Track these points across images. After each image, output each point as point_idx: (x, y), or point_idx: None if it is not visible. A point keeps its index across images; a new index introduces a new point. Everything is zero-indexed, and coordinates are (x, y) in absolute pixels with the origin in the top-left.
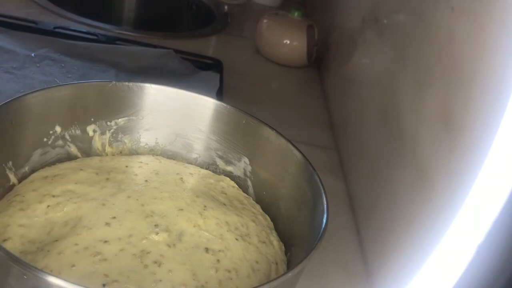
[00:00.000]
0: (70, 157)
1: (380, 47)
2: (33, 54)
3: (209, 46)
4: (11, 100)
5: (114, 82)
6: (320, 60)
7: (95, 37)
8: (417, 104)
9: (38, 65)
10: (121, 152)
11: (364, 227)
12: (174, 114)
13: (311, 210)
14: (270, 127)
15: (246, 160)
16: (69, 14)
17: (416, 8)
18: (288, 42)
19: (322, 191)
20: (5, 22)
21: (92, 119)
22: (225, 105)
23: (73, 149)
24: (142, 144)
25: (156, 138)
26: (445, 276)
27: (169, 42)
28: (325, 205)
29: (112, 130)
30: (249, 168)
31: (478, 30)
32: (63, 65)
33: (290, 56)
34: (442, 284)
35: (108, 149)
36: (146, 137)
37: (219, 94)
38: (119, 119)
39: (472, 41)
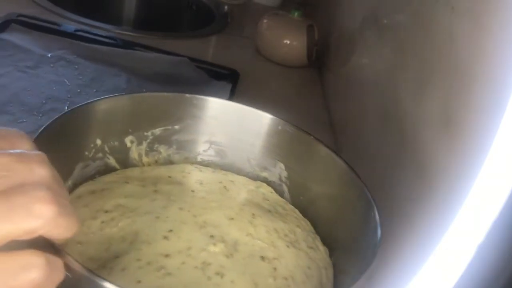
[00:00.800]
0: (108, 169)
1: (380, 47)
2: (49, 55)
3: (209, 46)
4: (59, 116)
5: (148, 93)
6: (320, 60)
7: (114, 42)
8: (417, 104)
9: (52, 65)
10: (156, 162)
11: None
12: (205, 122)
13: (355, 213)
14: (308, 133)
15: (282, 165)
16: (69, 14)
17: (416, 8)
18: (288, 42)
19: (373, 203)
20: (28, 23)
21: (130, 130)
22: (259, 111)
23: (111, 161)
24: (176, 153)
25: (190, 147)
26: (445, 276)
27: (169, 42)
28: (377, 218)
29: (148, 140)
30: (284, 173)
31: (478, 30)
32: (76, 67)
33: (290, 56)
34: (442, 284)
35: (144, 159)
36: (181, 146)
37: None
38: (156, 129)
39: (472, 41)
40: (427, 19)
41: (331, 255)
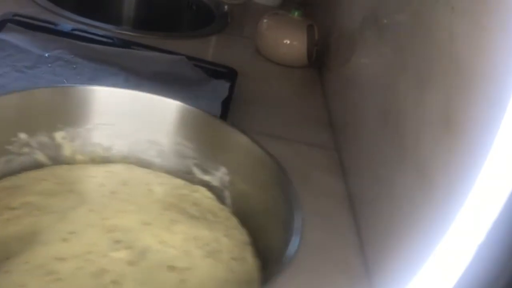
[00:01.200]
0: (38, 165)
1: (380, 47)
2: (46, 55)
3: (209, 46)
4: None
5: (79, 87)
6: (320, 60)
7: (111, 41)
8: (417, 104)
9: (49, 65)
10: (93, 160)
11: (364, 227)
12: (146, 120)
13: (286, 224)
14: (244, 132)
15: (224, 169)
16: (68, 14)
17: (416, 8)
18: (288, 42)
19: (298, 204)
20: (24, 23)
21: (60, 125)
22: (199, 111)
23: (40, 157)
24: (114, 152)
25: (129, 146)
26: (445, 276)
27: (169, 42)
28: (300, 223)
29: (82, 137)
30: (227, 178)
31: (478, 30)
32: (74, 66)
33: (290, 56)
34: (442, 284)
35: (79, 156)
36: (119, 144)
37: (225, 104)
38: (89, 126)
39: (472, 41)
40: (427, 19)
41: (266, 267)
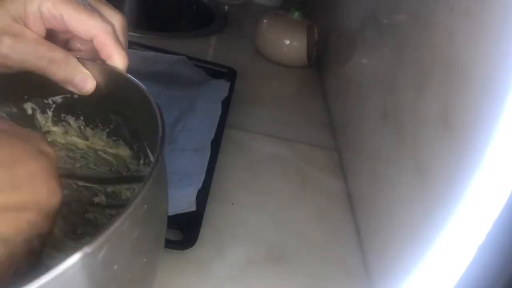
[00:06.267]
0: None
1: (380, 47)
2: None
3: (209, 46)
4: None
5: None
6: (320, 60)
7: None
8: (417, 104)
9: None
10: (66, 133)
11: (364, 227)
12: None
13: None
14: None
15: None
16: None
17: (416, 8)
18: (288, 42)
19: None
20: None
21: (26, 97)
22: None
23: None
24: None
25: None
26: (445, 276)
27: (169, 42)
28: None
29: (52, 109)
30: None
31: (478, 30)
32: None
33: (290, 56)
34: (442, 284)
35: (53, 128)
36: (88, 119)
37: (225, 104)
38: (56, 97)
39: (472, 41)
40: (427, 19)
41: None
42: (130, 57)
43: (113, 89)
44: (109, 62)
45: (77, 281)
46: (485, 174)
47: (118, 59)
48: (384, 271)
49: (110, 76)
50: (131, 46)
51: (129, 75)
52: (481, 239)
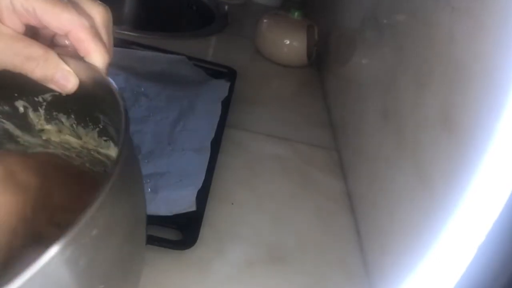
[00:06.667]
0: (11, 136)
1: (380, 47)
2: None
3: (209, 46)
4: None
5: None
6: (320, 60)
7: None
8: (416, 104)
9: None
10: (60, 131)
11: (364, 227)
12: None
13: None
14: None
15: None
16: None
17: (416, 8)
18: (288, 42)
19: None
20: None
21: (16, 94)
22: None
23: (8, 126)
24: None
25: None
26: (445, 276)
27: (169, 42)
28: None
29: (44, 107)
30: None
31: (478, 30)
32: None
33: (290, 56)
34: (442, 284)
35: (46, 127)
36: (78, 117)
37: (225, 104)
38: (45, 95)
39: (472, 41)
40: (427, 19)
41: None
42: (129, 57)
43: (96, 88)
44: (86, 59)
45: None
46: (485, 174)
47: (96, 56)
48: (384, 271)
49: (90, 74)
50: (131, 46)
51: (102, 74)
52: (481, 239)
